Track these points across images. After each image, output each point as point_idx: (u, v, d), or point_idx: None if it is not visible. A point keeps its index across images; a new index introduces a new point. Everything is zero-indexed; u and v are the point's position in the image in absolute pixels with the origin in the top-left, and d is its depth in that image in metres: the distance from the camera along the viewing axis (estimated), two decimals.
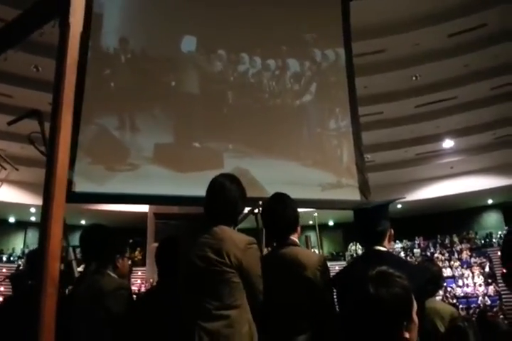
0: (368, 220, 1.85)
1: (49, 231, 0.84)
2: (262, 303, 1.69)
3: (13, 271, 12.99)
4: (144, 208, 12.74)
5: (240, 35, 5.92)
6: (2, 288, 13.53)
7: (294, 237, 1.97)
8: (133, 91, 5.58)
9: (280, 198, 2.04)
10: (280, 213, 1.98)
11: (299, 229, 2.01)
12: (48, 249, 0.85)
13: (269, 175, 4.82)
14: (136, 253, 13.11)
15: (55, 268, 0.86)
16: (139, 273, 12.57)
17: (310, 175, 5.26)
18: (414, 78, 13.42)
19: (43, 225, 0.85)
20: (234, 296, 1.60)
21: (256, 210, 2.39)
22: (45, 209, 0.86)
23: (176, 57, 5.76)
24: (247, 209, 2.45)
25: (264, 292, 1.74)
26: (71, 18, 0.98)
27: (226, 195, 1.78)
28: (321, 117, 5.87)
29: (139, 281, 12.30)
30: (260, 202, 2.44)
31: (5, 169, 1.41)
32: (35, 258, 2.52)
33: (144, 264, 12.24)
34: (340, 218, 18.65)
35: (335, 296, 1.84)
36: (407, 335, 1.17)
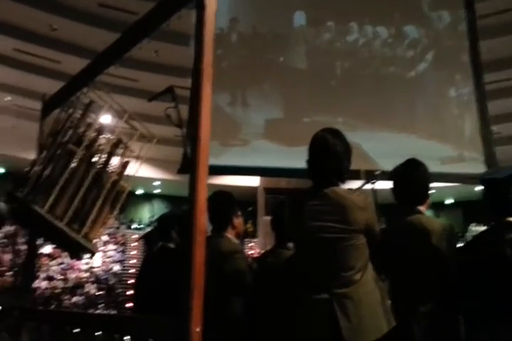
0: (501, 190, 1.71)
1: (197, 191, 0.99)
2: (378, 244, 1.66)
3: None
4: (254, 182, 13.26)
5: (348, 5, 5.70)
6: (134, 252, 15.52)
7: (422, 208, 1.88)
8: (244, 68, 5.82)
9: (415, 165, 1.91)
10: (412, 180, 1.87)
11: (428, 200, 1.91)
12: (196, 205, 0.99)
13: (382, 149, 4.61)
14: (248, 225, 13.81)
15: (203, 221, 1.00)
16: (251, 244, 13.26)
17: (427, 148, 4.92)
18: None
19: (191, 186, 1.00)
20: (362, 257, 1.58)
21: (373, 181, 2.31)
22: (193, 175, 1.00)
23: (285, 32, 5.79)
24: (361, 182, 2.39)
25: (389, 259, 1.74)
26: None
27: (329, 150, 1.63)
28: (439, 85, 5.42)
29: (251, 252, 12.98)
30: (378, 172, 2.34)
31: (151, 143, 1.62)
32: (165, 222, 2.84)
33: (255, 236, 12.86)
34: (461, 195, 17.04)
35: (462, 265, 1.76)
36: None
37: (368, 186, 2.33)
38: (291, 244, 2.02)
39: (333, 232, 1.58)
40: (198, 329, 0.95)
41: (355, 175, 1.80)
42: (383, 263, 1.75)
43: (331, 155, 1.64)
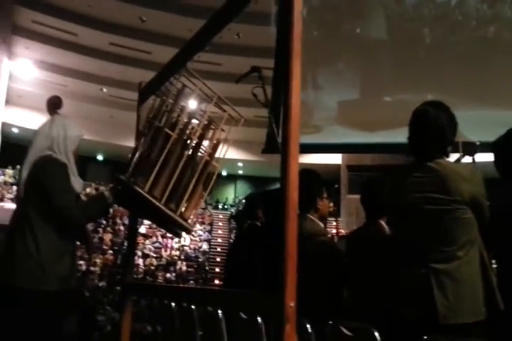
0: None
1: (289, 167, 1.02)
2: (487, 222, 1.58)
3: (227, 217, 16.01)
4: (336, 160, 13.13)
5: None
6: (220, 231, 16.71)
7: None
8: (315, 46, 5.30)
9: None
10: None
11: None
12: (289, 182, 1.02)
13: (481, 130, 3.74)
14: (331, 204, 13.71)
15: (295, 197, 1.03)
16: (334, 223, 13.14)
17: None
18: None
19: (283, 163, 1.04)
20: (468, 233, 1.52)
21: (472, 153, 2.19)
22: (285, 151, 1.02)
23: None
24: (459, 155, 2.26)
25: (499, 237, 1.66)
26: None
27: (431, 123, 1.58)
28: None
29: (333, 231, 12.86)
30: (478, 143, 2.23)
31: (237, 125, 1.67)
32: (251, 202, 2.95)
33: (338, 215, 12.77)
34: None
35: None
36: None
37: (467, 159, 2.21)
38: (383, 221, 1.99)
39: (435, 204, 1.54)
40: (292, 304, 0.97)
41: (455, 148, 1.73)
42: (492, 241, 1.66)
43: (432, 129, 1.60)
